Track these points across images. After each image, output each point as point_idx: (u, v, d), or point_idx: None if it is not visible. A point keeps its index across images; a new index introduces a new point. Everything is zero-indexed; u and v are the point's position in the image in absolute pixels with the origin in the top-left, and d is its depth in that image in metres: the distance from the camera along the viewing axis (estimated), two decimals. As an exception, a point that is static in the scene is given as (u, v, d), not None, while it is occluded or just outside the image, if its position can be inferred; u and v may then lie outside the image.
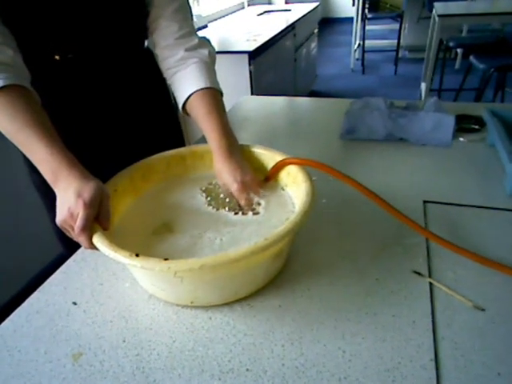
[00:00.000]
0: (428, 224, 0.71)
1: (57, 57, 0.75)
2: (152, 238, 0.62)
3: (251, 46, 2.41)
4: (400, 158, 0.94)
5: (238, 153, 0.69)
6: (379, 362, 0.49)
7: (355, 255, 0.65)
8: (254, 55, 2.36)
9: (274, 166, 0.68)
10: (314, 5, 3.86)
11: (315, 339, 0.52)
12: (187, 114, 0.78)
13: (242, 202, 0.65)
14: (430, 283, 0.59)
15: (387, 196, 0.64)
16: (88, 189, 0.55)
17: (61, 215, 0.55)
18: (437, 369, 0.47)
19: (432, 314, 0.54)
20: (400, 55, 4.53)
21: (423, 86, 3.40)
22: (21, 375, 0.51)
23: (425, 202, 0.77)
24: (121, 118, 0.87)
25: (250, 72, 2.37)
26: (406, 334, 0.52)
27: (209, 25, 3.18)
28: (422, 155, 0.94)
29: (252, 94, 2.39)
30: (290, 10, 3.72)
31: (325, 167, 0.62)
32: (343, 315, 0.55)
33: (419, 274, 0.61)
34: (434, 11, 3.09)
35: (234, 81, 2.35)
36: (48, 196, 0.85)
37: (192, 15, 0.82)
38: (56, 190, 0.57)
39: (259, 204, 0.67)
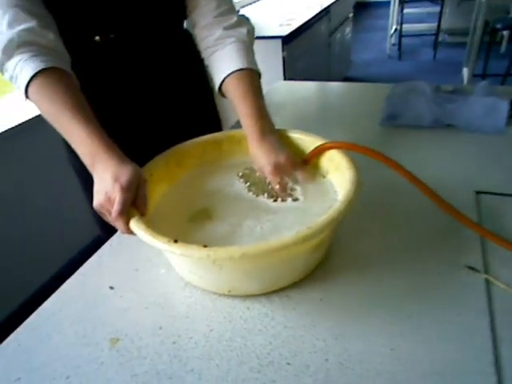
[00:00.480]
0: (481, 216, 0.66)
1: (97, 38, 0.74)
2: (189, 224, 0.60)
3: (284, 31, 2.35)
4: (448, 146, 0.88)
5: (273, 135, 0.66)
6: (431, 362, 0.45)
7: (402, 248, 0.61)
8: (287, 40, 2.31)
9: (314, 148, 0.65)
10: (350, -13, 3.72)
11: (360, 335, 0.49)
12: (223, 95, 0.75)
13: (276, 187, 0.63)
14: (487, 280, 0.55)
15: (435, 187, 0.59)
16: (125, 173, 0.53)
17: (98, 199, 0.54)
18: (498, 373, 0.43)
19: (490, 314, 0.50)
20: (439, 39, 4.31)
21: (465, 71, 3.22)
22: (60, 358, 0.51)
23: (477, 192, 0.72)
24: (158, 100, 0.86)
25: (284, 58, 2.32)
26: (462, 334, 0.48)
27: (241, 10, 3.13)
28: (473, 142, 0.88)
29: (285, 79, 2.33)
30: (324, -6, 3.60)
31: (372, 152, 0.58)
32: (390, 312, 0.52)
33: (474, 269, 0.56)
34: (479, -9, 2.90)
35: (267, 66, 2.29)
36: (87, 180, 0.86)
37: None
38: (93, 174, 0.57)
39: (294, 189, 0.64)
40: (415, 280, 0.56)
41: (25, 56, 0.59)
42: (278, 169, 0.62)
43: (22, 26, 0.60)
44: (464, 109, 0.92)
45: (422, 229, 0.65)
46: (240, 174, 0.70)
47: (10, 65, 0.60)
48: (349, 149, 0.61)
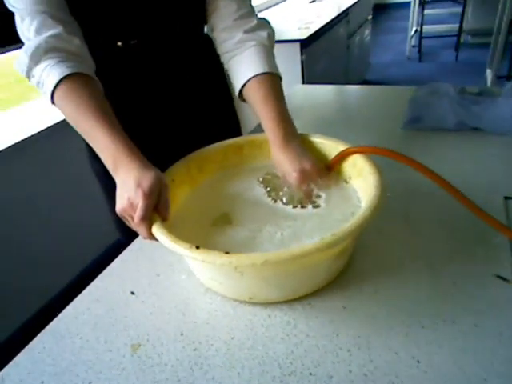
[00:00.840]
0: (510, 223, 0.64)
1: (119, 43, 0.75)
2: (210, 229, 0.60)
3: (303, 35, 2.34)
4: (475, 149, 0.86)
5: (296, 141, 0.65)
6: (461, 376, 0.44)
7: (428, 255, 0.60)
8: (306, 44, 2.30)
9: (338, 154, 0.64)
10: (369, -11, 3.69)
11: (385, 346, 0.48)
12: (244, 100, 0.75)
13: (301, 193, 0.62)
14: (517, 290, 0.52)
15: (462, 192, 0.57)
16: (147, 178, 0.53)
17: (120, 204, 0.54)
18: (532, 389, 0.41)
19: (521, 325, 0.48)
20: (462, 40, 4.22)
21: (489, 72, 3.14)
22: (82, 363, 0.52)
23: (506, 198, 0.69)
24: (178, 104, 0.86)
25: (302, 61, 2.31)
26: (492, 346, 0.46)
27: (259, 14, 3.13)
28: (501, 146, 0.85)
29: (303, 83, 2.32)
30: (343, -4, 3.57)
31: (397, 155, 0.55)
32: (416, 321, 0.50)
33: (504, 279, 0.54)
34: (504, -10, 2.83)
35: (286, 70, 2.29)
36: (108, 185, 0.87)
37: None
38: (116, 178, 0.57)
39: (319, 196, 0.62)
40: (442, 288, 0.54)
41: (52, 62, 0.60)
42: (303, 176, 0.61)
43: (49, 33, 0.61)
44: (491, 111, 0.89)
45: (448, 235, 0.63)
46: (260, 179, 0.69)
47: (37, 70, 0.61)
48: (372, 153, 0.59)
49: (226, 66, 0.80)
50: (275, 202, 0.64)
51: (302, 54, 2.29)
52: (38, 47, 0.61)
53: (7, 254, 1.57)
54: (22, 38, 0.64)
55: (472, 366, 0.44)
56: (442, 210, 0.68)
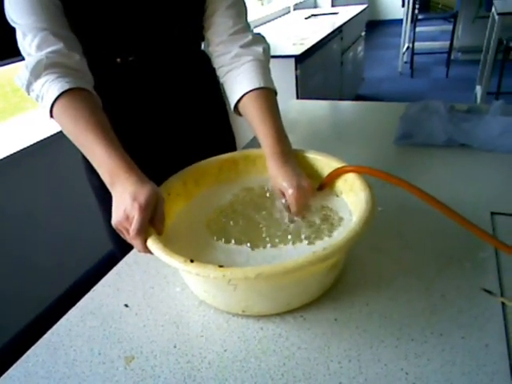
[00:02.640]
0: (497, 238, 0.65)
1: (118, 60, 0.77)
2: (204, 243, 0.61)
3: (298, 50, 2.39)
4: (463, 165, 0.88)
5: (292, 158, 0.67)
6: (448, 388, 0.45)
7: (418, 269, 0.61)
8: (300, 59, 2.34)
9: (329, 174, 0.65)
10: (362, 7, 3.78)
11: (375, 358, 0.49)
12: (239, 113, 0.76)
13: (295, 209, 0.63)
14: (503, 303, 0.54)
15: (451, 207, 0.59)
16: (144, 192, 0.54)
17: (117, 217, 0.55)
18: (517, 401, 0.42)
19: (507, 338, 0.49)
20: (452, 57, 4.32)
21: (479, 89, 3.21)
22: (76, 375, 0.52)
23: (492, 213, 0.71)
24: (175, 119, 0.88)
25: (297, 76, 2.35)
26: (478, 358, 0.47)
27: (255, 30, 3.19)
28: (488, 162, 0.88)
29: (298, 97, 2.36)
30: (337, 13, 3.66)
31: (395, 179, 0.56)
32: (406, 334, 0.51)
33: (490, 292, 0.56)
34: (493, 9, 2.91)
35: (280, 85, 2.33)
36: (103, 198, 0.87)
37: (247, 11, 0.81)
38: (113, 192, 0.58)
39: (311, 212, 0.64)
40: (431, 302, 0.55)
41: (51, 77, 0.62)
42: (301, 193, 0.62)
43: (50, 48, 0.63)
44: (479, 128, 0.92)
45: (438, 250, 0.65)
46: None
47: (37, 85, 0.63)
48: (368, 173, 0.60)
49: (221, 80, 0.82)
50: (269, 215, 0.65)
51: (296, 69, 2.33)
52: (38, 62, 0.62)
53: (1, 264, 1.56)
54: (24, 53, 0.66)
55: (459, 378, 0.45)
56: (432, 225, 0.70)
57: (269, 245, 0.58)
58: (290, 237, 0.59)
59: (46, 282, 1.73)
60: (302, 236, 0.59)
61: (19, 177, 1.60)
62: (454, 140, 0.94)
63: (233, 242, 0.59)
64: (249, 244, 0.58)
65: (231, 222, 0.64)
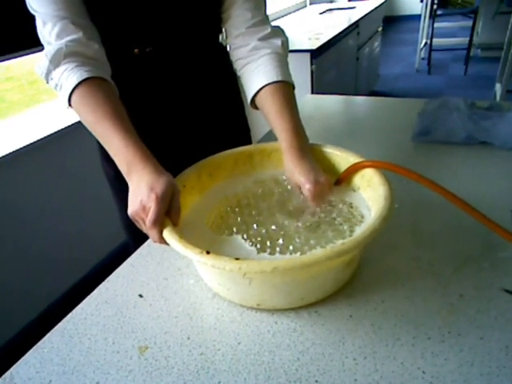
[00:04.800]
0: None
1: (136, 50, 0.77)
2: (217, 235, 0.60)
3: (313, 45, 2.37)
4: (483, 163, 0.86)
5: (309, 153, 0.66)
6: (466, 389, 0.44)
7: (435, 267, 0.60)
8: (316, 54, 2.32)
9: (347, 169, 0.64)
10: (380, 2, 3.72)
11: (391, 356, 0.48)
12: (256, 107, 0.76)
13: (313, 204, 0.62)
14: (525, 305, 0.52)
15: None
16: (160, 183, 0.54)
17: (133, 207, 0.55)
18: (539, 405, 0.41)
19: (528, 340, 0.48)
20: (471, 54, 4.23)
21: (498, 87, 3.14)
22: (90, 363, 0.52)
23: (514, 212, 0.69)
24: (191, 111, 0.87)
25: (312, 71, 2.33)
26: (498, 360, 0.46)
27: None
28: (509, 160, 0.85)
29: (312, 92, 2.34)
30: (354, 8, 3.61)
31: (413, 174, 0.55)
32: (422, 332, 0.50)
33: (510, 292, 0.54)
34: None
35: (295, 80, 2.32)
36: (119, 188, 0.88)
37: (265, 4, 0.79)
38: (129, 182, 0.58)
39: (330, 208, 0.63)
40: (448, 300, 0.54)
41: (70, 65, 0.62)
42: (318, 187, 0.61)
43: (70, 37, 0.63)
44: (500, 126, 0.89)
45: (456, 247, 0.63)
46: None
47: (56, 74, 0.63)
48: (388, 169, 0.58)
49: (238, 73, 0.81)
50: (283, 211, 0.65)
51: (311, 64, 2.31)
52: (58, 51, 0.62)
53: (16, 255, 1.59)
54: (43, 41, 0.66)
55: (478, 379, 0.44)
56: (449, 222, 0.68)
57: (286, 239, 0.57)
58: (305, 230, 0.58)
59: (58, 273, 1.76)
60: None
61: (32, 170, 1.62)
62: (473, 137, 0.92)
63: (247, 234, 0.59)
64: (265, 238, 0.58)
65: (242, 218, 0.63)
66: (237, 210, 0.66)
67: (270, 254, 0.55)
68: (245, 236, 0.59)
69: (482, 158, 0.88)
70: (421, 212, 0.73)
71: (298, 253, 0.54)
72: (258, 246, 0.57)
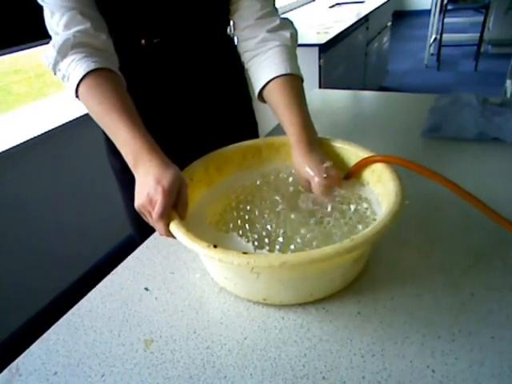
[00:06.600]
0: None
1: (143, 41, 0.76)
2: (224, 230, 0.60)
3: (322, 39, 2.34)
4: (495, 160, 0.84)
5: (318, 147, 0.65)
6: (477, 389, 0.43)
7: (446, 265, 0.59)
8: (324, 48, 2.30)
9: (357, 163, 0.63)
10: (389, -4, 3.67)
11: (400, 354, 0.47)
12: (263, 100, 0.74)
13: (322, 197, 0.61)
14: (537, 304, 0.51)
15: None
16: (167, 176, 0.54)
17: (140, 199, 0.55)
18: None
19: (541, 340, 0.47)
20: (482, 50, 4.17)
21: (509, 83, 3.09)
22: (96, 355, 0.52)
23: (527, 210, 0.68)
24: (198, 104, 0.86)
25: (320, 66, 2.31)
26: (509, 360, 0.45)
27: (278, 18, 3.14)
28: (522, 157, 0.84)
29: (320, 87, 2.32)
30: (363, 2, 3.57)
31: (425, 170, 0.54)
32: (432, 331, 0.49)
33: (523, 292, 0.53)
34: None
35: (303, 74, 2.31)
36: (125, 180, 0.88)
37: None
38: (136, 174, 0.57)
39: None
40: (459, 299, 0.53)
41: (78, 56, 0.62)
42: (327, 181, 0.60)
43: (77, 28, 0.62)
44: (513, 122, 0.87)
45: (467, 245, 0.62)
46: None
47: (64, 64, 0.63)
48: (399, 164, 0.57)
49: (246, 66, 0.80)
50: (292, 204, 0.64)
51: (320, 58, 2.29)
52: (65, 41, 0.62)
53: (22, 248, 1.59)
54: (51, 32, 0.65)
55: (489, 379, 0.44)
56: (460, 220, 0.67)
57: (294, 234, 0.57)
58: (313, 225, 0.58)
59: (64, 266, 1.77)
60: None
61: (38, 163, 1.62)
62: (485, 134, 0.90)
63: (253, 230, 0.58)
64: (272, 232, 0.57)
65: (250, 215, 0.62)
66: (241, 206, 0.65)
67: (268, 251, 0.54)
68: (240, 232, 0.58)
69: (494, 155, 0.86)
70: (431, 209, 0.71)
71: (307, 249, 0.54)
72: (256, 243, 0.56)
